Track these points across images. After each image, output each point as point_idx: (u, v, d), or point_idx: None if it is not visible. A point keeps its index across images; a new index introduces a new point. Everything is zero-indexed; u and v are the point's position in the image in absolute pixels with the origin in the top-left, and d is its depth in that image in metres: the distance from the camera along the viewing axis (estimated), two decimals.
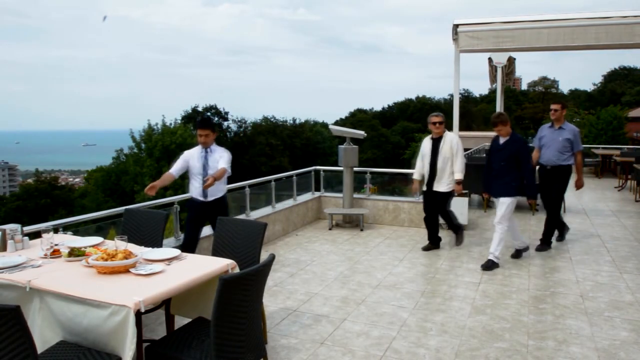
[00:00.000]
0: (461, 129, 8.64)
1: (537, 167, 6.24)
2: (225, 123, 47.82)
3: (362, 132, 8.28)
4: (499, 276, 5.30)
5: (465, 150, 13.92)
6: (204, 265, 3.09)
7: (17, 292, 2.81)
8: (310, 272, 5.53)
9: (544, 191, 6.29)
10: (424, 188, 6.38)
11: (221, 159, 4.73)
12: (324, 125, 52.56)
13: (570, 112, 39.89)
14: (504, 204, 5.60)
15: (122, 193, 29.33)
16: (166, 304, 3.36)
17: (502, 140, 5.70)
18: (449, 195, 6.28)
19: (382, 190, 9.08)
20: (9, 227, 3.52)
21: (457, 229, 6.55)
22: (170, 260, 3.18)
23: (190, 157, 4.78)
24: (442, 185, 6.17)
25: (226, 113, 47.98)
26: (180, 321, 3.88)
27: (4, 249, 3.45)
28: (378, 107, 65.98)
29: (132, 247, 3.39)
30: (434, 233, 6.47)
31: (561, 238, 6.67)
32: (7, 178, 78.66)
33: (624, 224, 7.81)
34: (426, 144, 6.36)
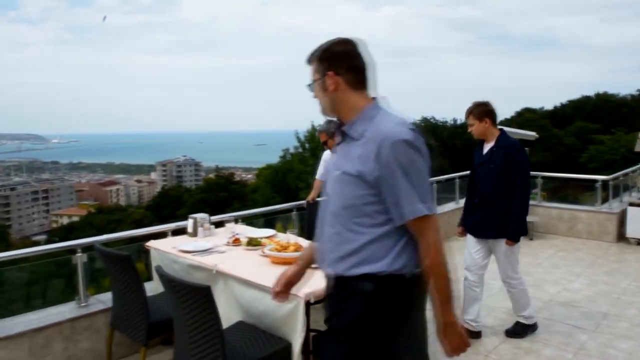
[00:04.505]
0: None
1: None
2: None
3: (533, 133, 7.67)
4: None
5: None
6: None
7: (206, 274, 3.19)
8: None
9: None
10: None
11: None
12: None
13: None
14: (501, 251, 3.69)
15: (287, 190, 31.39)
16: None
17: (486, 148, 3.77)
18: None
19: (553, 196, 8.28)
20: (199, 216, 4.01)
21: None
22: None
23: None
24: None
25: None
26: None
27: (195, 234, 3.94)
28: (549, 106, 60.26)
29: (302, 241, 3.60)
30: None
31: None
32: (193, 173, 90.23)
33: None
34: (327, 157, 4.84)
